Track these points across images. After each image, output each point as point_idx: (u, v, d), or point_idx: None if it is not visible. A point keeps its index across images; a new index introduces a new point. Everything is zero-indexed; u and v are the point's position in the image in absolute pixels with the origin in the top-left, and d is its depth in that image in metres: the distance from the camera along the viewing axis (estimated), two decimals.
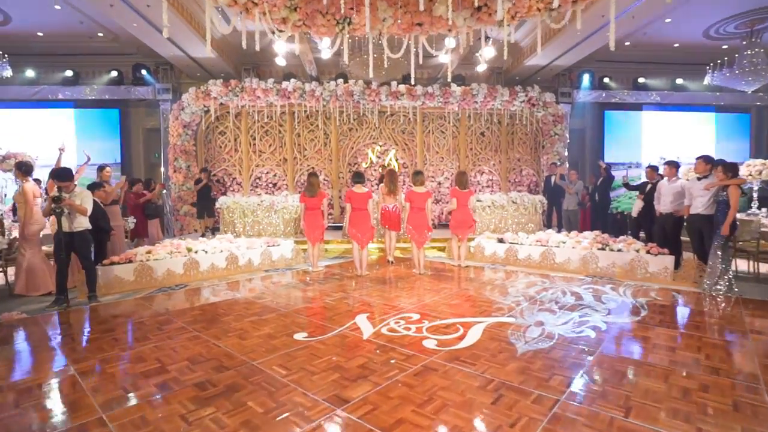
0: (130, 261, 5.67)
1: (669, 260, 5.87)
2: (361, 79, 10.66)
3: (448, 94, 10.90)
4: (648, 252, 6.03)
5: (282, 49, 7.73)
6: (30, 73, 11.02)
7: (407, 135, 11.39)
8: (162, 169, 11.62)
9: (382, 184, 7.24)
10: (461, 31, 5.77)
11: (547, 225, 10.06)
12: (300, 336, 3.69)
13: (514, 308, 4.49)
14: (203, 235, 9.61)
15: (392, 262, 7.27)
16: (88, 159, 7.11)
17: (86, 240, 5.14)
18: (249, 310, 4.54)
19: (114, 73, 11.15)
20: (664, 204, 6.47)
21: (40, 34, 10.23)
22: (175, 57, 10.19)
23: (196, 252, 6.29)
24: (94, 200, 5.80)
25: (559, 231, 10.16)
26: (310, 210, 6.56)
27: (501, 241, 7.43)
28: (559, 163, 8.90)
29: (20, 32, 10.04)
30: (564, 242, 6.81)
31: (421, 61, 6.78)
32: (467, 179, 6.97)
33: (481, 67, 8.77)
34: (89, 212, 5.17)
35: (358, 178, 6.49)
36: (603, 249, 6.40)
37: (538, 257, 6.87)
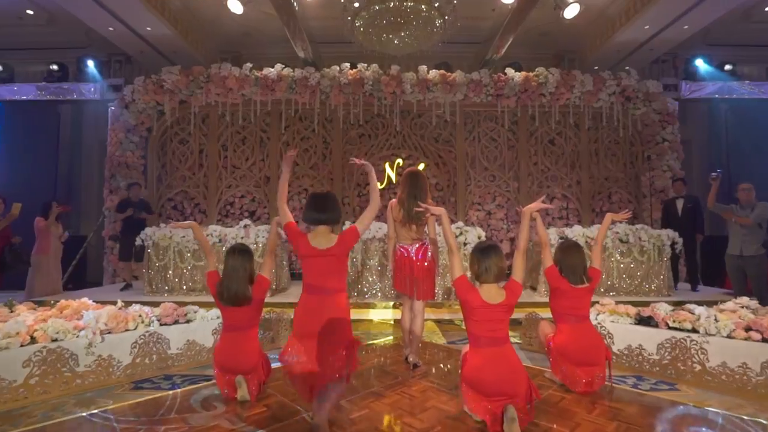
0: None
1: None
2: (375, 64, 7.07)
3: (502, 83, 7.10)
4: None
5: None
6: None
7: (442, 143, 7.57)
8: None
9: (393, 200, 3.36)
10: None
11: (674, 279, 5.83)
12: None
13: None
14: (126, 287, 5.98)
15: (417, 366, 3.19)
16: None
17: None
18: None
19: (54, 67, 8.05)
20: None
21: None
22: (118, 36, 6.97)
23: None
24: None
25: (693, 289, 5.95)
26: (233, 331, 2.67)
27: (646, 320, 3.33)
28: (714, 176, 4.79)
29: None
30: None
31: None
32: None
33: (572, 10, 4.97)
34: None
35: (318, 208, 2.33)
36: None
37: (760, 369, 2.73)
